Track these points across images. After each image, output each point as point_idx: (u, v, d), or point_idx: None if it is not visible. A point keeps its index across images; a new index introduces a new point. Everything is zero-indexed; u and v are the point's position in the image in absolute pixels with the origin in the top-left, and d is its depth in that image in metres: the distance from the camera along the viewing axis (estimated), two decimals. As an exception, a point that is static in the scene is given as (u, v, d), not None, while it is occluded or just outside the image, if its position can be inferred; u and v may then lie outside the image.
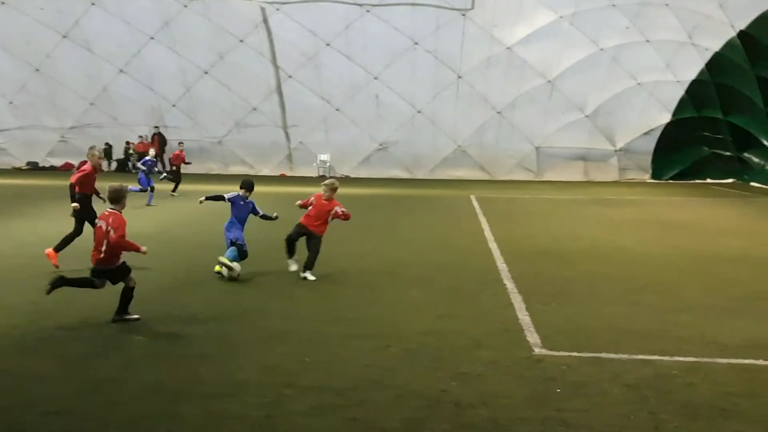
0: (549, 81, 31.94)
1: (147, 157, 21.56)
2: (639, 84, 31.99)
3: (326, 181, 10.74)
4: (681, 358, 6.86)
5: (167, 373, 6.27)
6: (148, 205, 19.52)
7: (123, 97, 32.87)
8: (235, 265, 10.08)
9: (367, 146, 33.48)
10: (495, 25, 30.55)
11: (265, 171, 33.46)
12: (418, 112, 32.71)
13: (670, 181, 33.46)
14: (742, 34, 27.26)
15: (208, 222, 14.26)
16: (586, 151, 33.83)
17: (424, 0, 29.92)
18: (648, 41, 30.48)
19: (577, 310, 8.79)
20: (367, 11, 30.36)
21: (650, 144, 33.68)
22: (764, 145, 30.00)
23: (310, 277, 10.18)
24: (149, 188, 20.08)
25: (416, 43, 31.12)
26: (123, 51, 31.52)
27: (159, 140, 33.36)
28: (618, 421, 5.35)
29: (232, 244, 10.35)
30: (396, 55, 31.29)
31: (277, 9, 30.60)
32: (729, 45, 28.35)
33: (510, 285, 10.20)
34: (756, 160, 31.40)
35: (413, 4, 30.05)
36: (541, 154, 33.71)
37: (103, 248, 7.61)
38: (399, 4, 30.10)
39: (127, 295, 7.79)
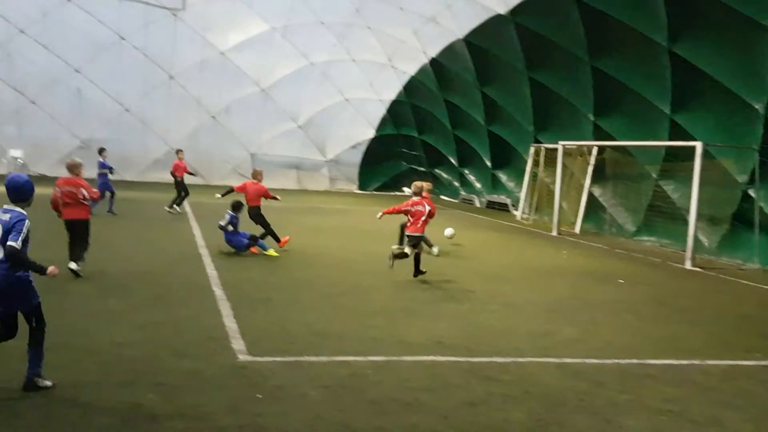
0: (263, 90, 32.38)
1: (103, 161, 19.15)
2: (346, 100, 33.91)
3: None
4: (374, 358, 7.36)
5: None
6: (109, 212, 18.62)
7: None
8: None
9: (68, 143, 30.63)
10: (207, 28, 30.17)
11: (-62, 168, 29.11)
12: (126, 110, 30.99)
13: (375, 192, 35.97)
14: (433, 61, 30.12)
15: None
16: (299, 160, 34.93)
17: (132, -6, 28.47)
18: (354, 60, 32.40)
19: (282, 315, 8.99)
20: (68, 0, 28.01)
21: (357, 157, 35.94)
22: (452, 163, 33.67)
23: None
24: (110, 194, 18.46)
25: (123, 39, 29.47)
26: None
27: None
28: (312, 422, 5.55)
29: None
30: (101, 48, 29.30)
31: (-43, -13, 26.90)
32: (422, 70, 31.23)
33: (219, 292, 10.11)
34: (445, 176, 35.09)
35: (119, -2, 28.42)
36: (256, 160, 33.94)
37: (421, 222, 11.96)
38: (104, -4, 28.26)
39: (419, 259, 11.96)
